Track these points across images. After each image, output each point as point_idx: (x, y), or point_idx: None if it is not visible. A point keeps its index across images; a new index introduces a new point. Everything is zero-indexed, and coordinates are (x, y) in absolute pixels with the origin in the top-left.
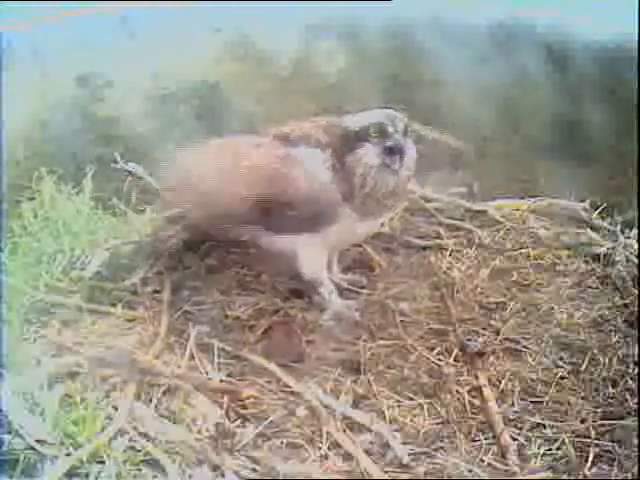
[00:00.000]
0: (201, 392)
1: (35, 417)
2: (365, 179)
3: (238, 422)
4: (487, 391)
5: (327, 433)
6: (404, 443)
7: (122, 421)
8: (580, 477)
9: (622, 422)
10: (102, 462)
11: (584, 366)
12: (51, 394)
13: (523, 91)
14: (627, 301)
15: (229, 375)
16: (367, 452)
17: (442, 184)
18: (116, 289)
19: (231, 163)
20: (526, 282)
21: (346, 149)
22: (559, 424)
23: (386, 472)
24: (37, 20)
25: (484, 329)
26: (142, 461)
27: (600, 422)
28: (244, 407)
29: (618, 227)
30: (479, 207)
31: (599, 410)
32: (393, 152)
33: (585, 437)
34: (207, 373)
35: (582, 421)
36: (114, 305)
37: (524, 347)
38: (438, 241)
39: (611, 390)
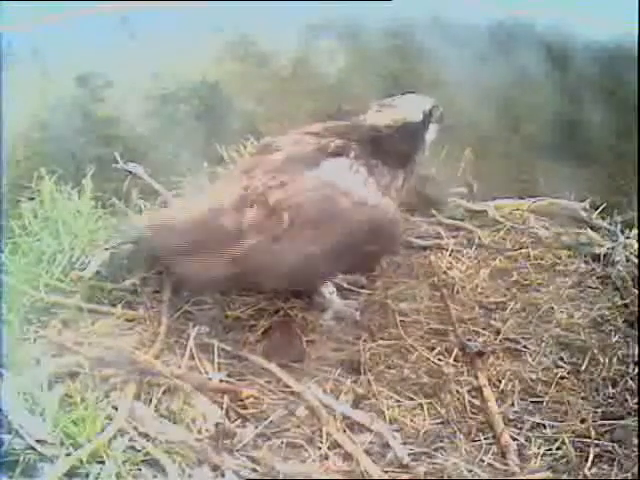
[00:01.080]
0: (201, 392)
1: (35, 417)
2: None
3: (238, 422)
4: (487, 391)
5: (327, 433)
6: (404, 443)
7: (122, 421)
8: (580, 477)
9: (622, 422)
10: (102, 462)
11: (584, 366)
12: (51, 394)
13: (523, 91)
14: (627, 301)
15: (229, 375)
16: (367, 452)
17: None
18: (116, 289)
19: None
20: (526, 282)
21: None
22: (559, 424)
23: (386, 472)
24: (37, 20)
25: (484, 329)
26: (142, 461)
27: (600, 422)
28: (244, 407)
29: (618, 227)
30: (479, 207)
31: (599, 410)
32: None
33: (585, 437)
34: (207, 373)
35: (582, 421)
36: (114, 305)
37: (524, 347)
38: (438, 241)
39: (611, 390)
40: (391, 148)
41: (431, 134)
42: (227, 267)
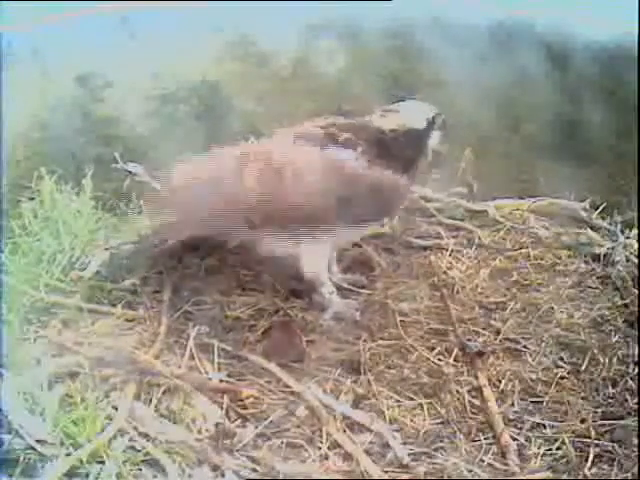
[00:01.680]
0: (201, 392)
1: (35, 417)
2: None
3: (238, 422)
4: (487, 391)
5: (327, 433)
6: (404, 443)
7: (122, 421)
8: (580, 477)
9: (622, 422)
10: (102, 462)
11: (584, 366)
12: (51, 394)
13: (523, 91)
14: (627, 301)
15: (229, 375)
16: (367, 452)
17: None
18: (116, 289)
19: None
20: (526, 282)
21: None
22: (559, 424)
23: (386, 472)
24: (37, 20)
25: (484, 329)
26: (142, 461)
27: (600, 422)
28: (244, 407)
29: (618, 227)
30: (479, 207)
31: (599, 410)
32: None
33: (585, 437)
34: (207, 373)
35: (582, 421)
36: (114, 305)
37: (524, 347)
38: (438, 241)
39: (611, 390)
40: (396, 152)
41: (433, 141)
42: (238, 220)
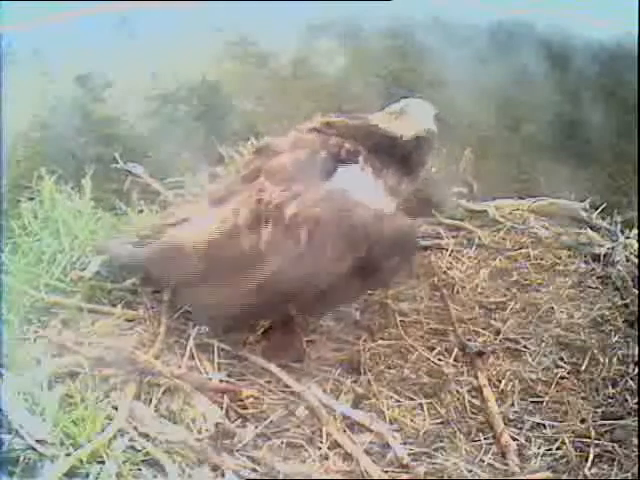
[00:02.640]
0: (201, 392)
1: (35, 417)
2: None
3: (238, 422)
4: (487, 391)
5: (327, 433)
6: (404, 443)
7: (122, 421)
8: (580, 477)
9: (622, 422)
10: (102, 462)
11: (584, 366)
12: (51, 394)
13: (523, 91)
14: (627, 301)
15: (229, 375)
16: (367, 452)
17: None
18: (116, 289)
19: None
20: (526, 282)
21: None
22: (559, 424)
23: (386, 472)
24: (37, 20)
25: (484, 329)
26: (142, 461)
27: (600, 422)
28: (244, 407)
29: (618, 227)
30: (479, 207)
31: (599, 410)
32: None
33: (585, 437)
34: (207, 373)
35: (582, 421)
36: (114, 305)
37: (524, 347)
38: (438, 241)
39: (611, 390)
40: (406, 156)
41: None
42: (255, 297)
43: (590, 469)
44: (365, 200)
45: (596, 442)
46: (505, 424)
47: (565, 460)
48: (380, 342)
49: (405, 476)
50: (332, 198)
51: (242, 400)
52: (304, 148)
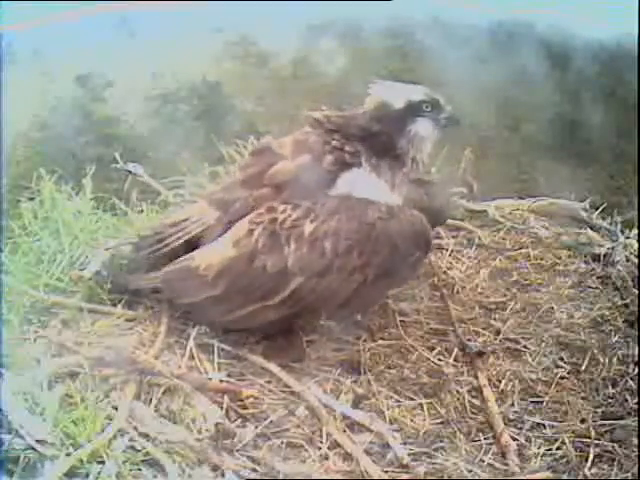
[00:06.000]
0: (201, 392)
1: (35, 417)
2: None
3: (238, 422)
4: (487, 391)
5: (327, 433)
6: (404, 443)
7: (122, 421)
8: (580, 477)
9: (622, 422)
10: (102, 462)
11: (584, 366)
12: (51, 394)
13: (523, 91)
14: (627, 301)
15: (229, 375)
16: (367, 452)
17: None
18: None
19: None
20: (526, 282)
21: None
22: (559, 424)
23: (386, 472)
24: (37, 20)
25: (484, 329)
26: (142, 461)
27: (600, 422)
28: (244, 407)
29: (618, 227)
30: (479, 207)
31: (599, 410)
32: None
33: (585, 437)
34: (207, 373)
35: (582, 421)
36: (114, 305)
37: (524, 347)
38: (438, 241)
39: (611, 390)
40: (375, 133)
41: (423, 129)
42: (276, 312)
43: (590, 469)
44: (373, 198)
45: (596, 442)
46: (505, 424)
47: (565, 460)
48: (380, 342)
49: (405, 476)
50: (344, 206)
51: (242, 400)
52: (305, 153)
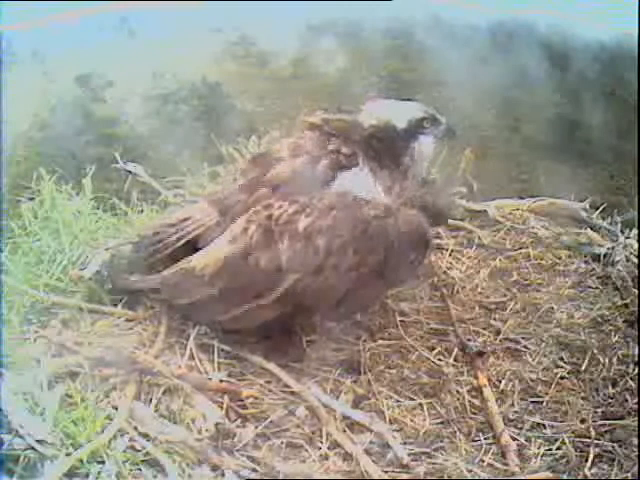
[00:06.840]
0: (201, 392)
1: (35, 417)
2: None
3: (238, 422)
4: (487, 391)
5: (327, 433)
6: (404, 443)
7: (122, 421)
8: (580, 477)
9: (622, 422)
10: (102, 462)
11: (584, 366)
12: (51, 394)
13: (523, 91)
14: (627, 301)
15: (229, 375)
16: (367, 452)
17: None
18: None
19: None
20: (526, 282)
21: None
22: (559, 424)
23: (386, 472)
24: (37, 20)
25: (484, 329)
26: (142, 461)
27: (600, 422)
28: (244, 407)
29: (618, 227)
30: (479, 207)
31: (599, 410)
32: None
33: (585, 437)
34: (207, 373)
35: (582, 421)
36: (114, 305)
37: (524, 347)
38: (438, 241)
39: (611, 390)
40: (378, 149)
41: (425, 145)
42: (272, 310)
43: (590, 469)
44: (370, 198)
45: (596, 442)
46: (505, 424)
47: (565, 460)
48: (380, 342)
49: (405, 476)
50: (340, 202)
51: (242, 400)
52: (303, 155)
